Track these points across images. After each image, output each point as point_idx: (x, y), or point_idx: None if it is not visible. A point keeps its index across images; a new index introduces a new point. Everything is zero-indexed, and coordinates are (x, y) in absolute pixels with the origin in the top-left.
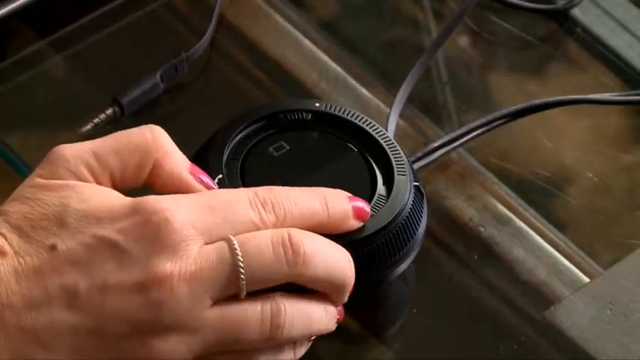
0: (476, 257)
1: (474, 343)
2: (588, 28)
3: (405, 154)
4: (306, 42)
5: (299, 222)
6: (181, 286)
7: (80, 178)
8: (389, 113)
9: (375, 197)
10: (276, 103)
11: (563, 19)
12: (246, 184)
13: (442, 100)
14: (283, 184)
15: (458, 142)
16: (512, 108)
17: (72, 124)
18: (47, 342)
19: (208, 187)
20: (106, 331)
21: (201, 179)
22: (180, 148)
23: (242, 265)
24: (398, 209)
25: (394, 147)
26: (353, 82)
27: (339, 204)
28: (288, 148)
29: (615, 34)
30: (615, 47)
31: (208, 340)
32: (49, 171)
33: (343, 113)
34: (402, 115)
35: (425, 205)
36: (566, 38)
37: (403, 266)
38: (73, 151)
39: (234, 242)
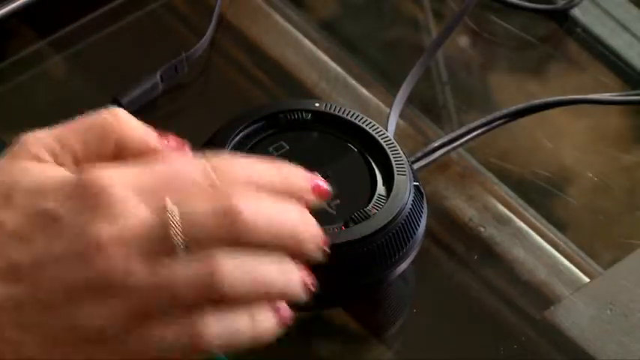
0: (476, 257)
1: (474, 343)
2: (588, 28)
3: (404, 154)
4: (306, 42)
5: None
6: (116, 250)
7: (40, 159)
8: (389, 113)
9: (375, 197)
10: (276, 103)
11: (563, 19)
12: None
13: (442, 100)
14: None
15: (458, 142)
16: (512, 108)
17: None
18: None
19: (178, 149)
20: (47, 301)
21: (169, 145)
22: None
23: (177, 227)
24: (398, 209)
25: (394, 147)
26: (353, 82)
27: (297, 178)
28: (288, 148)
29: (615, 34)
30: (615, 47)
31: (145, 302)
32: (10, 155)
33: (343, 113)
34: (402, 115)
35: (425, 205)
36: (566, 38)
37: (403, 266)
38: (35, 136)
39: (170, 205)
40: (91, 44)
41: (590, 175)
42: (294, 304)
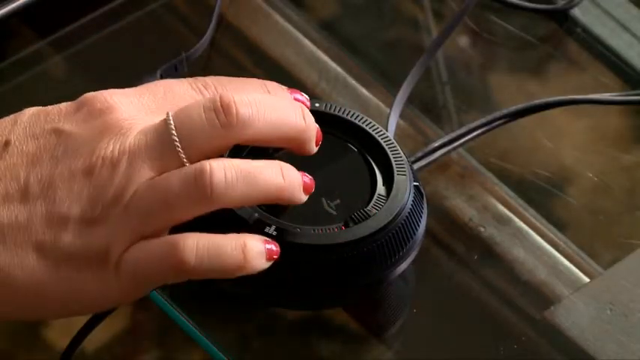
0: (476, 257)
1: (474, 343)
2: (588, 28)
3: (405, 154)
4: (306, 42)
5: None
6: (123, 161)
7: None
8: (389, 113)
9: (375, 197)
10: None
11: (563, 19)
12: None
13: (442, 100)
14: None
15: (458, 142)
16: (512, 108)
17: None
18: (6, 238)
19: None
20: (59, 217)
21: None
22: None
23: (175, 133)
24: (398, 209)
25: (394, 147)
26: (353, 82)
27: (282, 92)
28: None
29: (615, 34)
30: (615, 47)
31: (146, 211)
32: None
33: (343, 113)
34: (402, 115)
35: (425, 205)
36: (566, 38)
37: (403, 266)
38: None
39: (169, 114)
40: (91, 44)
41: (590, 175)
42: (294, 305)
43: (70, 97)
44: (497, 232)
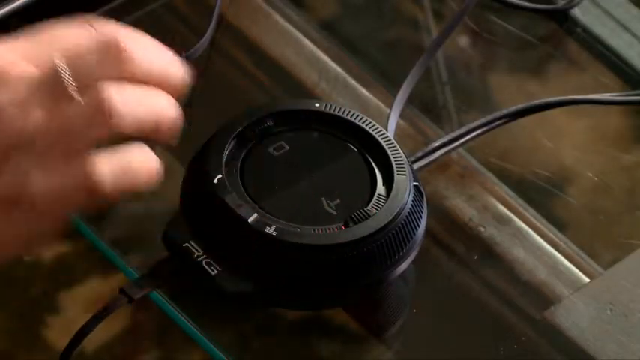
0: (476, 257)
1: (474, 343)
2: (588, 28)
3: (404, 154)
4: (306, 42)
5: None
6: (12, 110)
7: None
8: (389, 113)
9: (375, 197)
10: (276, 103)
11: (563, 19)
12: (245, 185)
13: (442, 100)
14: (283, 184)
15: (458, 142)
16: (512, 108)
17: None
18: None
19: None
20: None
21: None
22: (181, 148)
23: (65, 71)
24: (398, 209)
25: (394, 147)
26: (353, 82)
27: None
28: (288, 148)
29: (615, 34)
30: (615, 47)
31: (46, 144)
32: None
33: (343, 113)
34: (402, 115)
35: (425, 205)
36: (566, 38)
37: (403, 266)
38: None
39: (58, 56)
40: None
41: (590, 175)
42: (294, 305)
43: None
44: (497, 232)
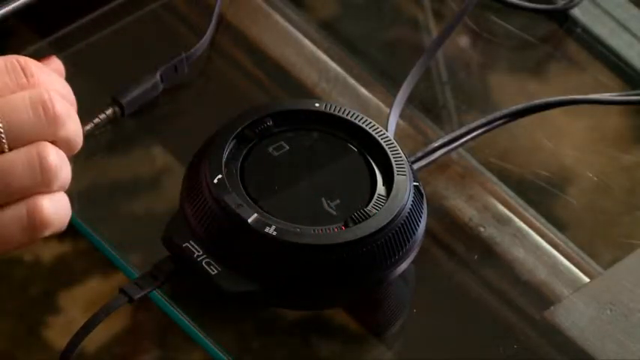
0: (476, 257)
1: (474, 343)
2: (588, 28)
3: (404, 154)
4: (306, 42)
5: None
6: None
7: None
8: (389, 113)
9: (375, 197)
10: (276, 103)
11: (563, 19)
12: (245, 184)
13: (442, 100)
14: (283, 184)
15: (458, 142)
16: (513, 108)
17: None
18: None
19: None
20: None
21: None
22: (181, 148)
23: (1, 127)
24: (397, 209)
25: (394, 147)
26: (353, 82)
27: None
28: (288, 148)
29: (615, 34)
30: (615, 47)
31: None
32: None
33: (343, 113)
34: (402, 115)
35: (425, 205)
36: (566, 38)
37: (403, 266)
38: None
39: None
40: (91, 44)
41: (590, 175)
42: (294, 305)
43: None
44: (497, 232)
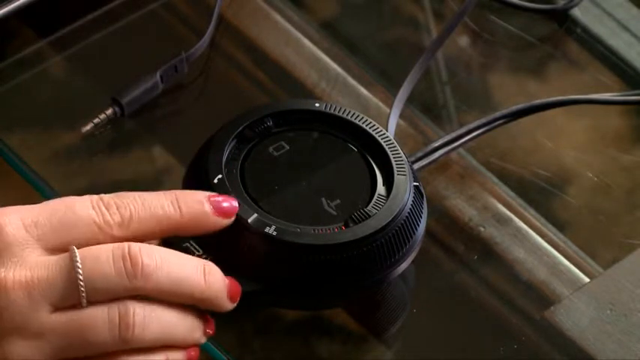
0: (476, 257)
1: (474, 343)
2: (588, 28)
3: (405, 154)
4: (306, 42)
5: (148, 224)
6: (17, 291)
7: None
8: (389, 113)
9: (375, 197)
10: (276, 103)
11: (563, 19)
12: (246, 184)
13: (442, 100)
14: (283, 184)
15: (458, 142)
16: (513, 108)
17: (72, 124)
18: None
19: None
20: None
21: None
22: (181, 148)
23: (81, 276)
24: (398, 209)
25: (394, 147)
26: (353, 82)
27: (193, 203)
28: (288, 148)
29: (615, 34)
30: (615, 47)
31: (57, 345)
32: None
33: (343, 113)
34: (402, 115)
35: (425, 205)
36: (566, 38)
37: (403, 266)
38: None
39: (75, 253)
40: (91, 44)
41: (590, 175)
42: (294, 305)
43: (70, 97)
44: (497, 232)
